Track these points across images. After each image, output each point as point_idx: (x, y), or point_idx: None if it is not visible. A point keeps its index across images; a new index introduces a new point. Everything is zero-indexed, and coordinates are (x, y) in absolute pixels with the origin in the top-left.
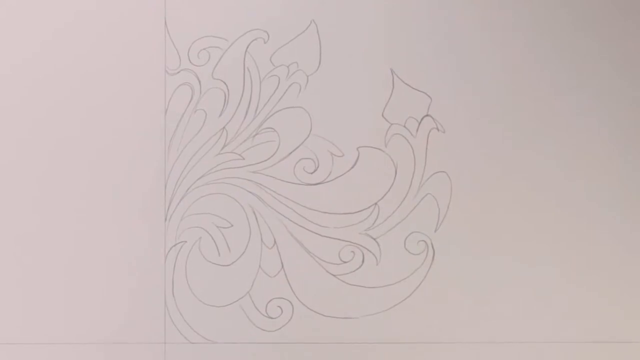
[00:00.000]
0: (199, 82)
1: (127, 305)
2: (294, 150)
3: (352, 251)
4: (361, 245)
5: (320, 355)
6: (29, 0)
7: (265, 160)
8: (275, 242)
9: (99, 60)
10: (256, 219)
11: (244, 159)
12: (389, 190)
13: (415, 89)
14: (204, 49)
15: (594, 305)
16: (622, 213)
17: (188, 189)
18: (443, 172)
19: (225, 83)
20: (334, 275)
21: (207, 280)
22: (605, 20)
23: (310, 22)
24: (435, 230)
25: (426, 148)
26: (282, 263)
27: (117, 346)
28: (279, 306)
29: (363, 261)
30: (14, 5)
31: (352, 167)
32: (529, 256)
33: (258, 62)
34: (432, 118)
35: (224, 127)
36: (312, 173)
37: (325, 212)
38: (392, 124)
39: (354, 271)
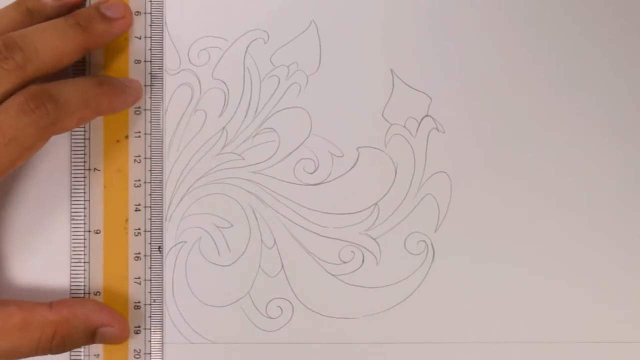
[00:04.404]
0: (199, 82)
1: None
2: (294, 150)
3: (352, 251)
4: (361, 246)
5: (320, 355)
6: None
7: (265, 161)
8: (275, 242)
9: None
10: (256, 219)
11: (244, 159)
12: (389, 190)
13: (415, 89)
14: (204, 49)
15: (594, 306)
16: (622, 214)
17: (188, 189)
18: (443, 172)
19: (225, 83)
20: (334, 275)
21: (207, 280)
22: (605, 20)
23: (310, 22)
24: (435, 231)
25: (426, 148)
26: (282, 263)
27: None
28: (279, 306)
29: (363, 261)
30: None
31: (352, 167)
32: (530, 256)
33: (258, 62)
34: (432, 118)
35: (224, 127)
36: (312, 173)
37: (325, 212)
38: (392, 124)
39: (354, 271)
